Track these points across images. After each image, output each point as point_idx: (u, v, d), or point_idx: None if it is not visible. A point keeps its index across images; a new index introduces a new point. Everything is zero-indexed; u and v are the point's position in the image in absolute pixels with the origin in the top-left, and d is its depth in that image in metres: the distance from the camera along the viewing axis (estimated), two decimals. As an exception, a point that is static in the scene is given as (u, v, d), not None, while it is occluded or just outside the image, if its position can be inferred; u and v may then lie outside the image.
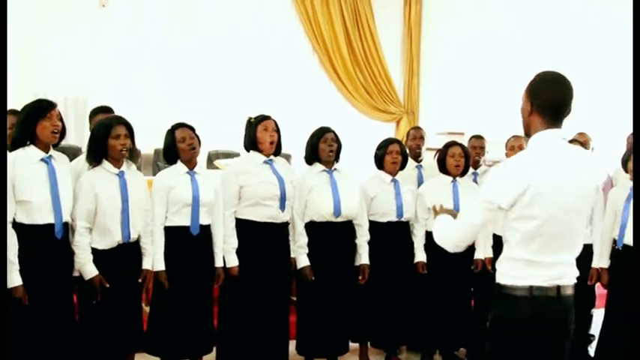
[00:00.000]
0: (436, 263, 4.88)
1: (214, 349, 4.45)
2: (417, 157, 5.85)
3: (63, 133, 3.83)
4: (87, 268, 3.78)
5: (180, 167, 4.22)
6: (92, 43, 8.51)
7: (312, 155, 4.69)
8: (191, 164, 4.24)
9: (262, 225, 4.39)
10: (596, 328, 5.22)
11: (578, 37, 8.59)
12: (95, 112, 4.76)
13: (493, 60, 9.52)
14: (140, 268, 4.05)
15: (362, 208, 4.78)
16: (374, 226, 4.86)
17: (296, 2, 9.68)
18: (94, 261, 3.80)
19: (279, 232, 4.47)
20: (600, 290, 5.16)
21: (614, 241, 4.87)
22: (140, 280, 4.04)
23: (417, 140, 5.96)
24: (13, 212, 3.55)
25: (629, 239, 4.74)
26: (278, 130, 4.48)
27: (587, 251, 4.81)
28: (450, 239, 2.85)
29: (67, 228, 3.77)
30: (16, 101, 5.12)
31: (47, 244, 3.65)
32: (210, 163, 7.58)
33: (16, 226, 3.57)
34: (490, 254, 4.91)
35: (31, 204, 3.59)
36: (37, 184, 3.63)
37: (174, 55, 8.87)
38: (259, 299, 4.38)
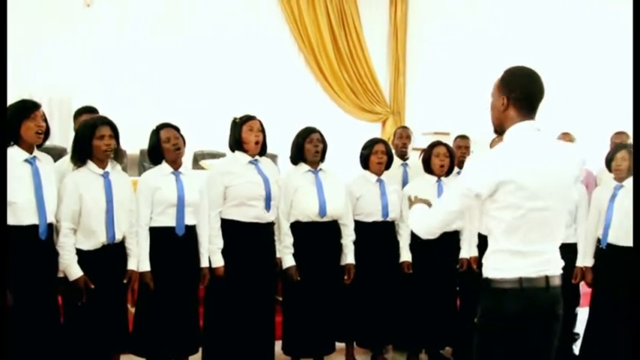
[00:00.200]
0: (421, 263, 4.91)
1: (200, 349, 4.44)
2: (403, 156, 5.87)
3: (47, 133, 3.81)
4: (71, 269, 3.76)
5: (165, 168, 4.21)
6: (77, 43, 8.47)
7: (298, 155, 4.69)
8: (176, 164, 4.23)
9: (248, 225, 4.38)
10: (580, 327, 5.26)
11: (563, 38, 8.64)
12: (80, 113, 4.73)
13: (479, 60, 9.54)
14: (125, 269, 4.03)
15: (347, 208, 4.79)
16: (359, 225, 4.87)
17: (282, 2, 9.68)
18: (79, 262, 3.78)
19: (264, 232, 4.46)
20: (585, 289, 5.19)
21: (598, 240, 4.90)
22: (125, 281, 4.02)
23: (404, 139, 5.99)
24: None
25: (612, 238, 4.79)
26: (263, 130, 4.48)
27: (572, 250, 4.86)
28: (425, 225, 2.87)
29: (52, 229, 3.75)
30: (0, 102, 5.08)
31: (31, 245, 3.62)
32: (196, 164, 7.57)
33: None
34: (475, 253, 4.94)
35: (15, 205, 3.56)
36: (21, 185, 3.61)
37: (159, 55, 8.84)
38: (245, 299, 4.37)
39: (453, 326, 5.01)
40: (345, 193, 4.79)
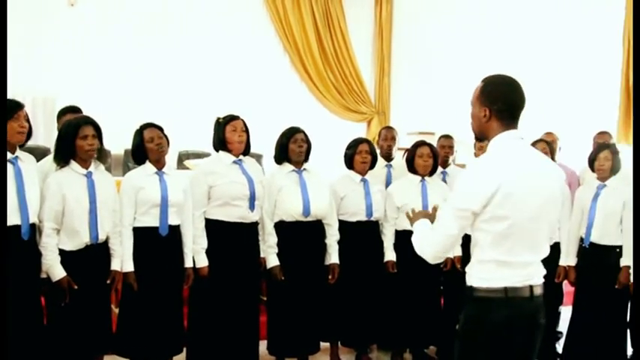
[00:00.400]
0: (406, 262, 4.90)
1: (184, 349, 4.43)
2: (388, 157, 5.88)
3: (29, 133, 3.79)
4: (54, 269, 3.75)
5: (148, 167, 4.20)
6: (61, 42, 8.44)
7: (282, 155, 4.69)
8: (159, 164, 4.22)
9: (232, 225, 4.38)
10: (563, 325, 5.29)
11: (546, 38, 8.67)
12: (63, 112, 4.72)
13: (464, 60, 9.57)
14: (109, 270, 4.02)
15: (331, 207, 4.79)
16: (343, 225, 4.87)
17: (267, 2, 9.67)
18: (62, 262, 3.77)
19: (248, 232, 4.46)
20: (568, 288, 5.23)
21: (581, 240, 4.93)
22: (108, 282, 4.01)
23: (389, 140, 5.98)
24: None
25: (595, 237, 4.84)
26: (247, 130, 4.48)
27: (555, 249, 4.88)
28: (429, 252, 2.79)
29: (34, 229, 3.73)
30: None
31: (14, 246, 3.59)
32: (180, 164, 7.56)
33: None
34: (459, 253, 4.94)
35: (-3, 205, 3.55)
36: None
37: (144, 54, 8.82)
38: (229, 299, 4.38)
39: (437, 325, 5.03)
40: (329, 193, 4.80)
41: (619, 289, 4.76)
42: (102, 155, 4.04)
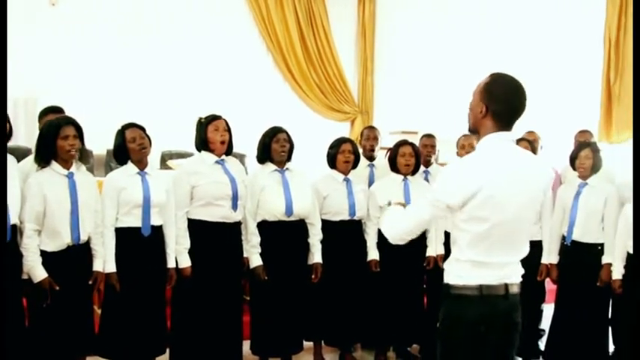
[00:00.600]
0: (389, 261, 4.92)
1: (167, 350, 4.43)
2: (370, 157, 5.88)
3: (10, 134, 3.78)
4: (36, 270, 3.73)
5: (130, 168, 4.18)
6: (42, 42, 8.38)
7: (264, 155, 4.69)
8: (142, 164, 4.21)
9: (214, 225, 4.38)
10: (546, 323, 5.31)
11: (528, 37, 8.71)
12: (45, 113, 4.70)
13: (447, 59, 9.60)
14: (91, 270, 4.01)
15: (314, 207, 4.79)
16: (326, 224, 4.88)
17: (250, 2, 9.66)
18: (44, 263, 3.75)
19: (231, 231, 4.46)
20: (550, 286, 5.25)
21: (563, 238, 4.96)
22: (90, 282, 3.99)
23: (371, 140, 5.98)
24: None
25: (577, 235, 4.87)
26: (229, 130, 4.47)
27: (537, 247, 4.91)
28: (395, 230, 2.86)
29: (15, 230, 3.71)
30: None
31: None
32: (163, 164, 7.53)
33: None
34: (442, 251, 4.98)
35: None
36: (-17, 186, 3.57)
37: (126, 54, 8.77)
38: (212, 300, 4.37)
39: (421, 324, 5.04)
40: (312, 193, 4.80)
41: (600, 287, 4.79)
42: (84, 156, 4.02)
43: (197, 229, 4.37)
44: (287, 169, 4.70)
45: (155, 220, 4.19)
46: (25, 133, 7.69)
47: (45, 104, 4.94)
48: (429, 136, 5.80)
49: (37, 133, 4.14)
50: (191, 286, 4.35)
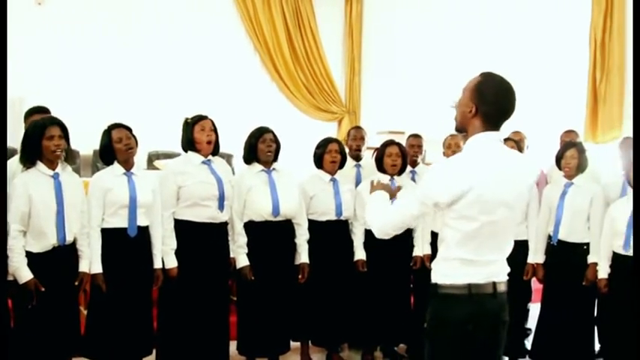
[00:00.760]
0: (375, 261, 4.93)
1: (154, 351, 4.42)
2: (357, 157, 5.88)
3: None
4: (21, 272, 3.71)
5: (116, 168, 4.17)
6: (28, 42, 8.34)
7: (251, 155, 4.69)
8: (128, 165, 4.20)
9: (201, 225, 4.38)
10: (532, 322, 5.33)
11: (514, 38, 8.72)
12: (31, 113, 4.69)
13: (434, 59, 9.60)
14: (77, 271, 3.99)
15: (301, 207, 4.80)
16: (313, 225, 4.88)
17: (237, 2, 9.65)
18: (29, 265, 3.73)
19: (218, 232, 4.46)
20: (536, 285, 5.26)
21: (549, 237, 4.98)
22: (76, 283, 3.98)
23: (358, 141, 5.99)
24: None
25: (563, 235, 4.89)
26: (215, 130, 4.47)
27: (523, 247, 4.93)
28: (382, 223, 2.84)
29: (1, 231, 3.69)
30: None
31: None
32: (150, 164, 7.52)
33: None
34: (428, 251, 4.99)
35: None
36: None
37: (113, 54, 8.74)
38: (199, 300, 4.36)
39: (408, 323, 5.05)
40: (299, 193, 4.80)
41: (586, 286, 4.81)
42: (69, 156, 4.00)
43: (183, 229, 4.37)
44: (273, 169, 4.70)
45: (141, 221, 4.18)
46: (11, 133, 7.63)
47: (31, 104, 4.92)
48: (416, 136, 5.81)
49: (22, 133, 4.12)
50: (178, 287, 4.34)
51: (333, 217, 4.92)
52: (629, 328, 4.47)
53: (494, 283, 2.71)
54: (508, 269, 2.80)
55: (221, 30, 9.57)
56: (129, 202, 4.10)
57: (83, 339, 4.15)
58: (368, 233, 5.00)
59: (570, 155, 4.92)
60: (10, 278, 3.73)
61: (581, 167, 4.91)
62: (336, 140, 5.11)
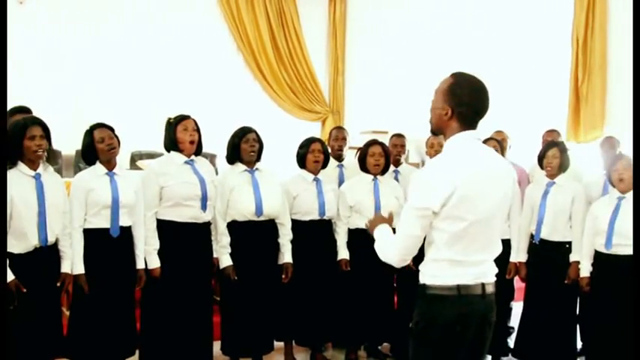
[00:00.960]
0: (359, 260, 4.93)
1: (137, 352, 4.40)
2: (338, 157, 5.88)
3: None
4: (2, 273, 3.69)
5: (99, 168, 4.16)
6: (10, 41, 8.26)
7: (234, 155, 4.69)
8: (110, 165, 4.18)
9: (184, 225, 4.37)
10: (515, 321, 5.36)
11: (497, 37, 8.75)
12: (12, 113, 4.65)
13: (417, 59, 9.62)
14: (59, 272, 3.97)
15: (284, 207, 4.80)
16: (296, 224, 4.88)
17: (220, 1, 9.62)
18: (10, 266, 3.68)
19: (201, 232, 4.45)
20: (519, 284, 5.29)
21: (531, 236, 5.01)
22: (58, 284, 3.96)
23: (339, 141, 6.00)
24: None
25: (545, 234, 4.91)
26: (198, 130, 4.46)
27: (506, 246, 4.94)
28: (395, 255, 2.74)
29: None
30: None
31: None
32: (133, 164, 7.49)
33: None
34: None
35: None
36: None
37: (95, 54, 8.68)
38: (182, 300, 4.35)
39: (391, 322, 5.07)
40: (282, 192, 4.80)
41: (568, 285, 4.84)
42: (51, 156, 3.98)
43: (166, 229, 4.36)
44: (257, 169, 4.70)
45: (124, 221, 4.16)
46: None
47: (12, 104, 4.88)
48: (399, 136, 5.82)
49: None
50: (160, 287, 4.33)
51: (316, 216, 4.92)
52: (610, 325, 4.52)
53: (483, 284, 2.70)
54: (496, 270, 2.80)
55: (204, 30, 9.54)
56: (111, 202, 4.09)
57: (65, 340, 4.12)
58: (351, 233, 5.02)
59: (552, 155, 4.94)
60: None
61: (562, 166, 4.94)
62: (318, 140, 5.11)
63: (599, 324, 4.66)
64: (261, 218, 4.62)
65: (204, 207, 4.39)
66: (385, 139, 5.61)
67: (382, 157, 5.01)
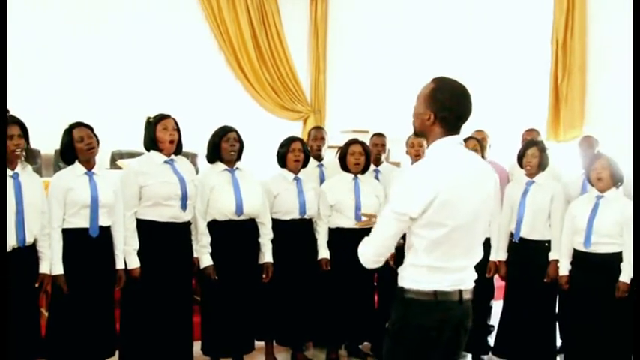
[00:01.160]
0: (339, 259, 4.94)
1: (117, 352, 4.39)
2: (318, 157, 5.88)
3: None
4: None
5: (78, 168, 4.13)
6: (-13, 40, 8.22)
7: (214, 154, 4.68)
8: (89, 165, 4.16)
9: (164, 225, 4.35)
10: (495, 319, 5.39)
11: (477, 37, 8.79)
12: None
13: (398, 58, 9.64)
14: (37, 273, 3.95)
15: (264, 206, 4.79)
16: (277, 224, 4.88)
17: (201, 0, 9.58)
18: (-13, 266, 3.69)
19: (181, 232, 4.43)
20: (498, 282, 5.31)
21: (511, 235, 5.04)
22: (37, 285, 3.94)
23: (318, 141, 5.99)
24: None
25: (524, 233, 4.95)
26: (178, 129, 4.44)
27: (485, 245, 4.95)
28: (370, 253, 2.76)
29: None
30: None
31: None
32: (113, 163, 7.45)
33: None
34: (392, 249, 4.99)
35: None
36: None
37: (74, 52, 8.60)
38: (162, 300, 4.34)
39: (372, 321, 5.08)
40: (262, 192, 4.80)
41: (548, 283, 4.87)
42: (30, 156, 3.96)
43: (146, 229, 4.33)
44: (237, 168, 4.69)
45: (103, 221, 4.14)
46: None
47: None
48: (380, 135, 5.83)
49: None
50: (140, 287, 4.31)
51: (296, 216, 4.93)
52: (589, 323, 4.56)
53: (460, 291, 2.72)
54: (475, 276, 2.81)
55: (185, 29, 9.49)
56: (90, 202, 4.07)
57: (44, 341, 4.10)
58: (332, 232, 5.03)
59: (531, 154, 4.98)
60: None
61: (542, 166, 4.97)
62: (299, 139, 5.11)
63: (577, 322, 4.70)
64: (242, 218, 4.61)
65: (184, 207, 4.37)
66: (366, 139, 5.62)
67: (362, 156, 5.02)
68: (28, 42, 8.38)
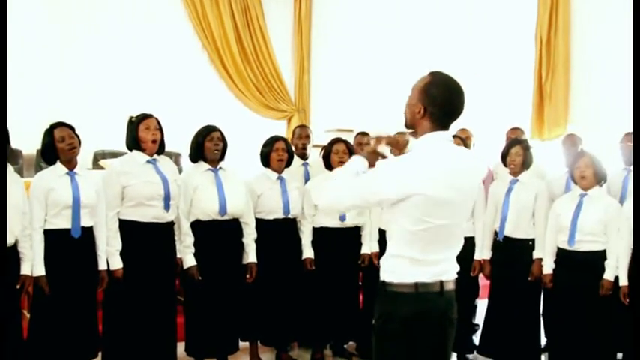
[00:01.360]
0: (323, 259, 4.94)
1: (100, 353, 4.36)
2: (302, 156, 5.87)
3: None
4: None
5: (59, 168, 4.10)
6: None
7: (197, 154, 4.65)
8: (71, 165, 4.13)
9: (147, 225, 4.32)
10: (480, 318, 5.39)
11: (461, 35, 8.80)
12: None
13: (382, 57, 9.64)
14: (19, 274, 3.90)
15: (248, 206, 4.77)
16: (261, 223, 4.87)
17: (185, -1, 9.56)
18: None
19: (164, 232, 4.41)
20: (483, 281, 5.32)
21: (495, 233, 5.04)
22: (18, 286, 3.90)
23: (303, 139, 5.98)
24: None
25: (508, 231, 4.95)
26: (161, 129, 4.42)
27: (470, 244, 4.97)
28: (323, 196, 2.84)
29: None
30: None
31: None
32: (96, 163, 7.40)
33: None
34: (376, 248, 5.00)
35: None
36: None
37: (56, 51, 8.54)
38: (145, 301, 4.31)
39: (357, 321, 5.07)
40: (246, 192, 4.78)
41: (532, 281, 4.88)
42: (11, 156, 3.91)
43: (129, 229, 4.30)
44: (220, 168, 4.67)
45: (85, 222, 4.11)
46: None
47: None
48: (364, 134, 5.81)
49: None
50: (123, 288, 4.28)
51: (280, 215, 4.92)
52: (573, 321, 4.57)
53: (441, 282, 2.70)
54: (457, 267, 2.80)
55: (168, 28, 9.43)
56: (72, 202, 4.03)
57: (26, 343, 4.06)
58: (316, 231, 5.01)
59: (515, 152, 4.98)
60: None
61: (526, 164, 4.98)
62: (282, 139, 5.10)
63: (562, 320, 4.70)
64: (225, 217, 4.59)
65: (167, 207, 4.34)
66: (350, 138, 5.61)
67: (346, 155, 4.99)
68: (9, 41, 8.29)
